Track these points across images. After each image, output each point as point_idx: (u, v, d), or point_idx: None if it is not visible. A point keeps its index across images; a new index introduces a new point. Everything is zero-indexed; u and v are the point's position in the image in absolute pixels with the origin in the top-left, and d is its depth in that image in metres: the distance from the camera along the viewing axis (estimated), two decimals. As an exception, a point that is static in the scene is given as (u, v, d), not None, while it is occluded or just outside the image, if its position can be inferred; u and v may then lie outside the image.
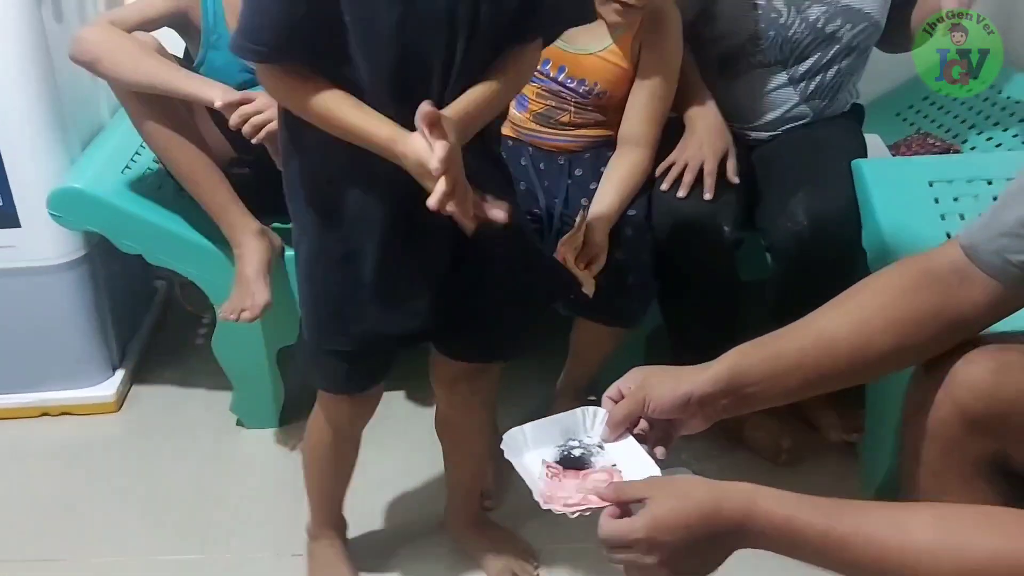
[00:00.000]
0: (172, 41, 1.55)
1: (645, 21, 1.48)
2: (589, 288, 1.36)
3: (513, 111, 1.56)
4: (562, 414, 0.96)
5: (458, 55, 1.02)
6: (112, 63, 1.41)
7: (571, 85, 1.51)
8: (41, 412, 1.77)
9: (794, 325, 0.95)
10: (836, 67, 1.58)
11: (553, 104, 1.53)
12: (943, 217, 1.40)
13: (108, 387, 1.79)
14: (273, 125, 1.33)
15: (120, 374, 1.82)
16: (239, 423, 1.74)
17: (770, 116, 1.62)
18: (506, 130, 1.59)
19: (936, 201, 1.42)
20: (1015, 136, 1.72)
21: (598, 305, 1.44)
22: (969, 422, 0.89)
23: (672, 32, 1.50)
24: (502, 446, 0.93)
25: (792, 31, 1.54)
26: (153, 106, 1.44)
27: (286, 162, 1.14)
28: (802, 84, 1.59)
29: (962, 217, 1.39)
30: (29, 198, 1.59)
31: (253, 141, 1.39)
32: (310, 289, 1.18)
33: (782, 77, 1.59)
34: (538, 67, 1.48)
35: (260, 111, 1.37)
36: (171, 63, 1.45)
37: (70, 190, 1.55)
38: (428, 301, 1.14)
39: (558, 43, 1.46)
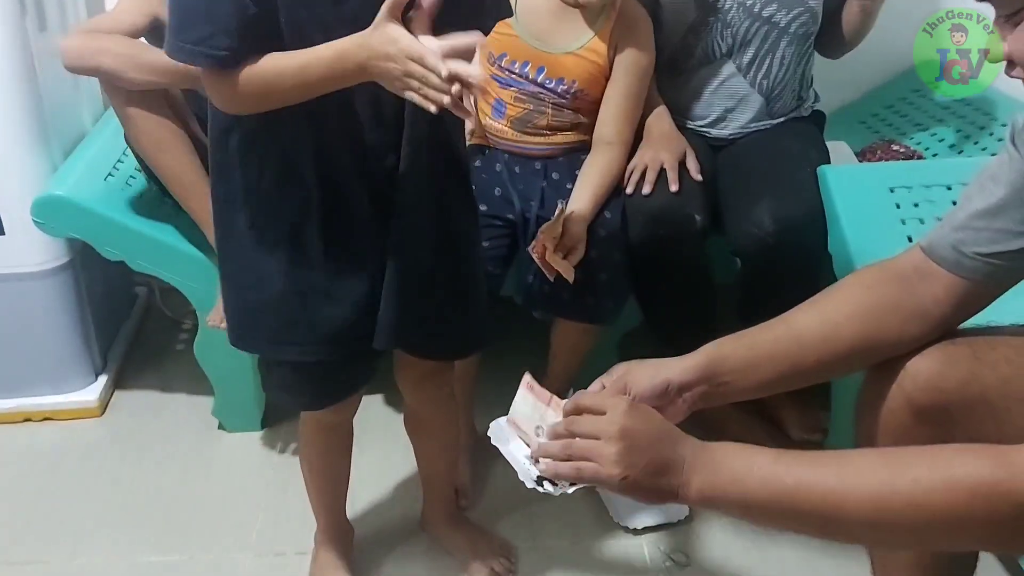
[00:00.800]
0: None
1: (618, 23, 1.53)
2: (569, 276, 1.42)
3: (489, 120, 1.60)
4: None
5: None
6: (104, 64, 1.42)
7: (550, 85, 1.55)
8: (24, 417, 1.79)
9: (770, 321, 1.00)
10: (780, 54, 1.64)
11: (531, 107, 1.57)
12: (904, 222, 1.46)
13: (91, 392, 1.81)
14: None
15: (103, 379, 1.84)
16: (221, 427, 1.77)
17: (726, 109, 1.67)
18: (480, 140, 1.64)
19: (897, 206, 1.48)
20: (976, 143, 1.79)
21: (573, 304, 1.49)
22: (916, 412, 0.94)
23: (644, 33, 1.57)
24: (488, 433, 0.97)
25: (730, 16, 1.61)
26: (149, 110, 1.45)
27: (220, 178, 1.13)
28: (750, 74, 1.65)
29: (922, 222, 1.45)
30: (12, 205, 1.61)
31: None
32: (256, 297, 1.15)
33: (729, 67, 1.65)
34: (516, 70, 1.54)
35: None
36: (161, 54, 1.45)
37: (53, 197, 1.57)
38: (367, 292, 1.13)
39: (536, 43, 1.52)
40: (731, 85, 1.66)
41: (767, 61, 1.64)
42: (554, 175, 1.59)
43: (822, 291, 1.02)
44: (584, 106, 1.58)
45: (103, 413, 1.82)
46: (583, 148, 1.59)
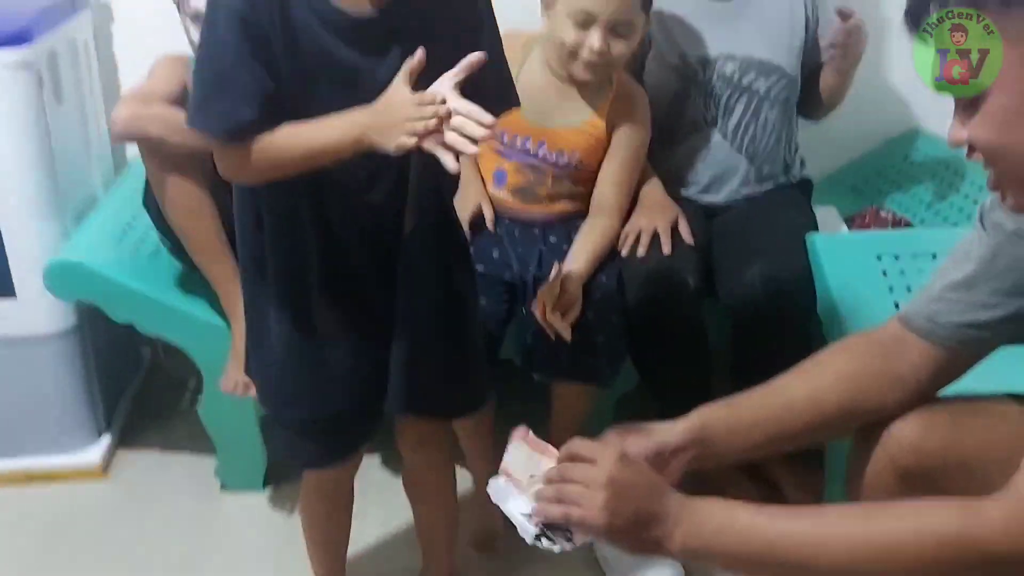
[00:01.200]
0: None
1: (616, 100, 1.60)
2: (566, 335, 1.46)
3: (491, 189, 1.65)
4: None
5: None
6: (155, 132, 1.47)
7: (551, 159, 1.61)
8: (27, 478, 1.80)
9: (759, 387, 1.05)
10: (763, 120, 1.71)
11: (532, 178, 1.63)
12: (891, 289, 1.50)
13: (94, 452, 1.83)
14: None
15: (106, 439, 1.86)
16: (223, 486, 1.78)
17: (715, 176, 1.74)
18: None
19: (884, 274, 1.53)
20: (960, 210, 1.84)
21: (571, 366, 1.53)
22: (900, 474, 0.98)
23: (640, 109, 1.63)
24: (488, 491, 1.00)
25: (711, 85, 1.69)
26: (183, 176, 1.50)
27: (242, 243, 1.18)
28: (737, 140, 1.72)
29: (909, 289, 1.49)
30: (24, 269, 1.65)
31: None
32: (269, 358, 1.19)
33: (716, 135, 1.72)
34: (517, 144, 1.60)
35: None
36: None
37: (65, 262, 1.61)
38: (373, 354, 1.18)
39: (537, 119, 1.57)
40: (719, 152, 1.72)
41: (752, 128, 1.71)
42: (552, 239, 1.64)
43: (808, 359, 1.06)
44: (583, 176, 1.64)
45: (106, 473, 1.83)
46: (580, 215, 1.64)
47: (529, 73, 1.59)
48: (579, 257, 1.54)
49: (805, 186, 1.82)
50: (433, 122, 0.96)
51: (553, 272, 1.48)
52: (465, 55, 1.01)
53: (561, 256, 1.57)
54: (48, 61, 1.66)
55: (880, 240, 1.65)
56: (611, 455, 0.90)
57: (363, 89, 1.03)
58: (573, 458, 0.93)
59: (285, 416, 1.26)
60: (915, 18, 0.85)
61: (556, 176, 1.62)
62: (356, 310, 1.18)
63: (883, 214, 1.89)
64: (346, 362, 1.19)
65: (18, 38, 1.56)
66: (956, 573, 0.81)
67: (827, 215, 1.84)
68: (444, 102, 0.96)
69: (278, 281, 1.16)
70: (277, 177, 1.08)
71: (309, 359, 1.18)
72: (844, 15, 1.62)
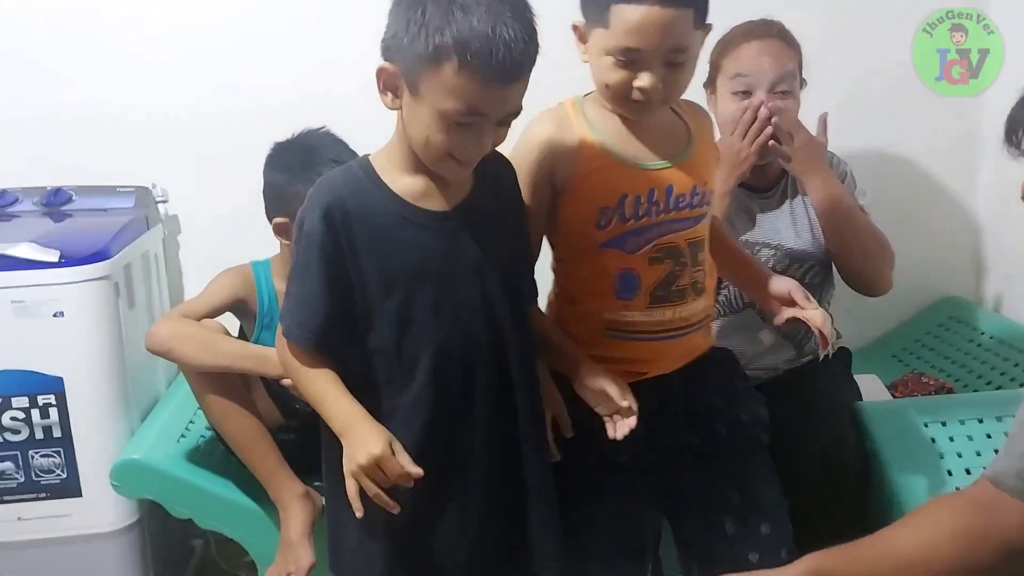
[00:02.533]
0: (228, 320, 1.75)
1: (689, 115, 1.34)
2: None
3: (622, 313, 1.29)
4: None
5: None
6: (183, 351, 1.58)
7: (684, 202, 1.27)
8: None
9: (869, 537, 1.04)
10: None
11: (671, 264, 1.28)
12: (942, 456, 1.50)
13: (148, 651, 1.82)
14: None
15: (159, 637, 1.85)
16: None
17: (758, 353, 1.74)
18: None
19: (933, 440, 1.53)
20: (1002, 374, 1.85)
21: None
22: None
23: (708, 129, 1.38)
24: None
25: None
26: (215, 382, 1.59)
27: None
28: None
29: (960, 455, 1.49)
30: (91, 469, 1.71)
31: None
32: (368, 537, 1.24)
33: (753, 316, 1.72)
34: (637, 212, 1.26)
35: None
36: (235, 342, 1.62)
37: (131, 462, 1.66)
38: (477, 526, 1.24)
39: (647, 164, 1.27)
40: (754, 332, 1.74)
41: None
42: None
43: (913, 512, 1.06)
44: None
45: (158, 672, 1.82)
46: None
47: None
48: None
49: (844, 356, 1.85)
50: (372, 492, 1.14)
51: None
52: (517, 241, 1.23)
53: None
54: (124, 272, 1.79)
55: (924, 406, 1.65)
56: None
57: (436, 278, 1.17)
58: None
59: None
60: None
61: (692, 241, 1.29)
62: (455, 487, 1.24)
63: (925, 379, 1.90)
64: (467, 534, 1.24)
65: (99, 255, 1.70)
66: None
67: (870, 384, 1.86)
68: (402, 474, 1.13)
69: None
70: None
71: (418, 538, 1.23)
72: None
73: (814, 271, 1.75)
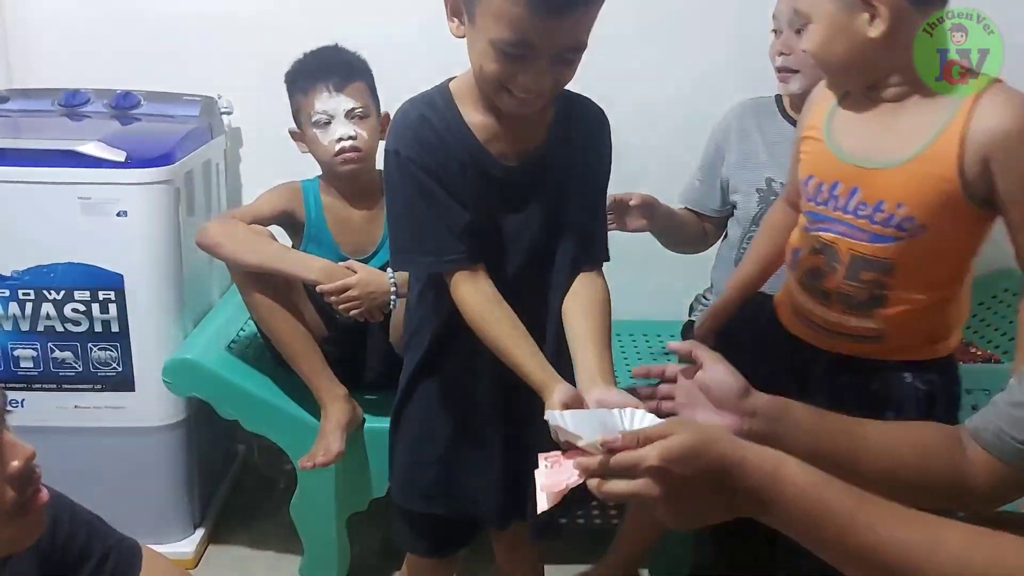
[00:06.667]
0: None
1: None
2: None
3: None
4: (601, 411, 0.92)
5: None
6: (229, 247, 1.65)
7: (863, 212, 1.15)
8: (124, 565, 1.89)
9: (845, 416, 1.03)
10: None
11: (821, 259, 1.20)
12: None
13: (188, 544, 1.91)
14: (361, 305, 1.58)
15: (200, 532, 1.94)
16: (306, 586, 1.83)
17: None
18: None
19: (973, 408, 1.52)
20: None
21: None
22: None
23: None
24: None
25: None
26: (261, 283, 1.65)
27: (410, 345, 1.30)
28: None
29: (998, 426, 1.48)
30: (145, 366, 1.79)
31: (352, 314, 1.60)
32: (419, 458, 1.30)
33: None
34: (821, 199, 1.22)
35: (353, 296, 1.59)
36: (280, 246, 1.68)
37: (183, 360, 1.74)
38: (508, 472, 1.27)
39: (846, 156, 1.20)
40: None
41: None
42: None
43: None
44: (910, 262, 1.17)
45: (196, 566, 1.90)
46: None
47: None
48: None
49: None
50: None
51: None
52: (584, 203, 1.21)
53: None
54: (185, 179, 1.84)
55: (968, 373, 1.64)
56: (656, 453, 0.77)
57: (488, 228, 1.18)
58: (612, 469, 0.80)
59: (421, 508, 1.32)
60: None
61: (857, 256, 1.20)
62: (508, 423, 1.26)
63: (973, 350, 1.89)
64: (494, 471, 1.27)
65: (163, 159, 1.75)
66: None
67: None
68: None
69: (451, 393, 1.27)
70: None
71: (469, 464, 1.27)
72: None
73: None
